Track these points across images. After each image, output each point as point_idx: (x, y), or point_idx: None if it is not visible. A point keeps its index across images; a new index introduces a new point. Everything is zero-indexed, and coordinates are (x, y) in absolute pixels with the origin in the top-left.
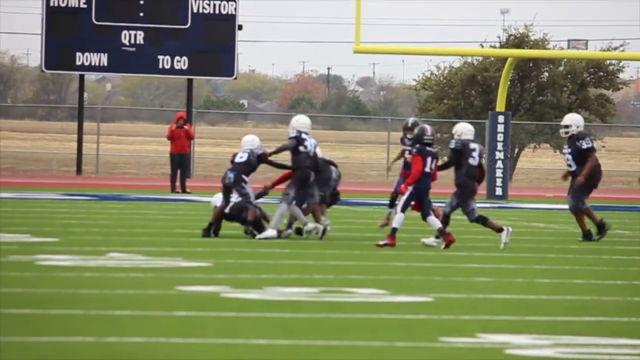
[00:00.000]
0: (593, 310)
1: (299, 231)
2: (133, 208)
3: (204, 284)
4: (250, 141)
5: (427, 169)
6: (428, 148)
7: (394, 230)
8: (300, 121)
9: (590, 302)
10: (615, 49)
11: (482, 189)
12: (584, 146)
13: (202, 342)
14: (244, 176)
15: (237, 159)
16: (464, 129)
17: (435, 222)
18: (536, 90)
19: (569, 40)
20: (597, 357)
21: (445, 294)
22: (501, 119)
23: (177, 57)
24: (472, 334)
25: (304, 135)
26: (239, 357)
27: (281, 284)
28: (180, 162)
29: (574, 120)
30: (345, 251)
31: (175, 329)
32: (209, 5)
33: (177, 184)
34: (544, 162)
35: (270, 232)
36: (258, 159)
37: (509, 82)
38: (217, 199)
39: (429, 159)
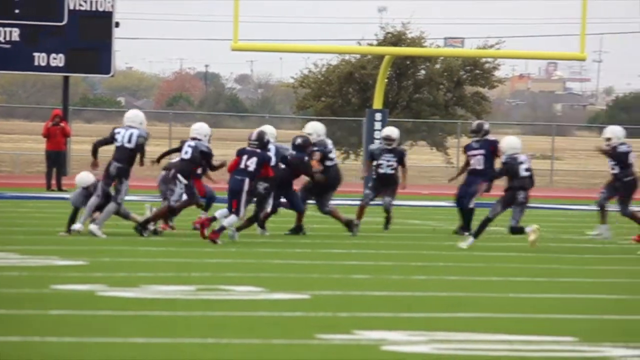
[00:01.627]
0: (468, 306)
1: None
2: (9, 206)
3: (80, 283)
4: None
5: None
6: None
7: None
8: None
9: (465, 299)
10: (491, 46)
11: (357, 187)
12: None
13: (78, 341)
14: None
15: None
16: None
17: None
18: (413, 88)
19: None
20: (472, 353)
21: (322, 291)
22: (378, 116)
23: (53, 55)
24: (348, 330)
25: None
26: (115, 356)
27: (158, 282)
28: (56, 160)
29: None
30: (222, 249)
31: (50, 328)
32: (85, 2)
33: (53, 181)
34: (421, 160)
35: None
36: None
37: (386, 80)
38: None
39: None
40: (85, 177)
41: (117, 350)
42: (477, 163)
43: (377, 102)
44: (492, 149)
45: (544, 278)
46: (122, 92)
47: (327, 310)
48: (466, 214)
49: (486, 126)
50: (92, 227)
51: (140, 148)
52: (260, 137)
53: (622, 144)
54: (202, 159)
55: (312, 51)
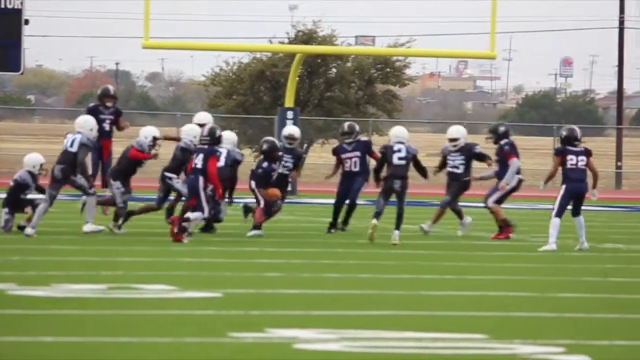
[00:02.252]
0: (378, 304)
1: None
2: None
3: None
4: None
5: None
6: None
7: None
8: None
9: (376, 296)
10: (402, 45)
11: None
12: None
13: None
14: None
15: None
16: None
17: None
18: (324, 86)
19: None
20: (382, 350)
21: (234, 289)
22: (290, 114)
23: None
24: (260, 328)
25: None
26: (26, 355)
27: (69, 281)
28: None
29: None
30: (135, 247)
31: None
32: None
33: None
34: (332, 158)
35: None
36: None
37: (297, 78)
38: None
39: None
40: (34, 158)
41: (27, 349)
42: (353, 165)
43: (289, 101)
44: (365, 150)
45: (453, 275)
46: (32, 90)
47: (240, 308)
48: (349, 209)
49: (357, 127)
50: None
51: (80, 153)
52: (212, 132)
53: (476, 144)
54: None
55: (223, 49)
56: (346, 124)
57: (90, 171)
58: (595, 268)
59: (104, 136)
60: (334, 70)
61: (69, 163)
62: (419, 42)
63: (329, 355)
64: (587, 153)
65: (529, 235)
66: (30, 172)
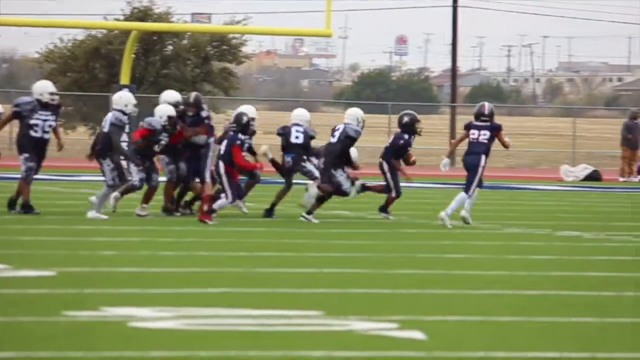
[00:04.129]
0: (215, 281)
1: None
2: None
3: None
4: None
5: None
6: None
7: None
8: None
9: (213, 274)
10: (238, 22)
11: None
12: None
13: None
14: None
15: (293, 139)
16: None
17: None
18: (160, 64)
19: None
20: (219, 327)
21: (69, 267)
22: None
23: None
24: (95, 307)
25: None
26: None
27: None
28: None
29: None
30: None
31: None
32: None
33: None
34: None
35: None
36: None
37: (133, 56)
38: None
39: None
40: None
41: None
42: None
43: (124, 78)
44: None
45: (291, 253)
46: None
47: (74, 287)
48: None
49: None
50: None
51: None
52: (238, 119)
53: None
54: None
55: (57, 26)
56: (192, 94)
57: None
58: (431, 245)
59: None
60: (170, 47)
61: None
62: (255, 20)
63: (166, 333)
64: (493, 128)
65: (366, 212)
66: None
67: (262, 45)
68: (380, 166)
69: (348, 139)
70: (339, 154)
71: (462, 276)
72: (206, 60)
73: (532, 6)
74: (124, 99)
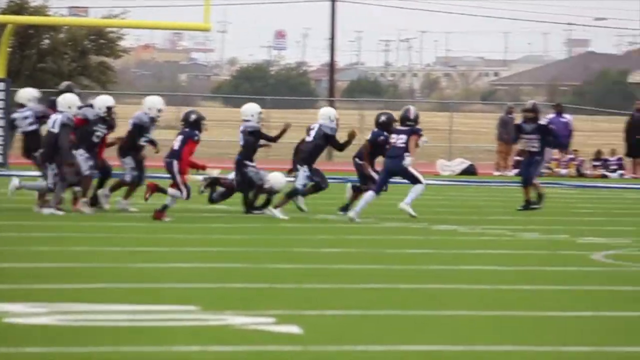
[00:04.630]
0: (90, 277)
1: None
2: None
3: None
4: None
5: None
6: None
7: None
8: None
9: (89, 269)
10: (116, 16)
11: None
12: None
13: None
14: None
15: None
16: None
17: None
18: (37, 57)
19: (70, 8)
20: (95, 323)
21: None
22: (2, 86)
23: None
24: None
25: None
26: None
27: None
28: None
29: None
30: None
31: None
32: None
33: None
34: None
35: None
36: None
37: (9, 49)
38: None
39: None
40: None
41: None
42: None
43: (0, 72)
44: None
45: (167, 248)
46: None
47: None
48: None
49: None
50: None
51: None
52: (186, 117)
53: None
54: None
55: None
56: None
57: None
58: (307, 239)
59: None
60: (47, 41)
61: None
62: (133, 14)
63: (40, 329)
64: (410, 132)
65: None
66: None
67: (140, 39)
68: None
69: (324, 137)
70: (312, 151)
71: (340, 270)
72: (83, 54)
73: (410, 1)
74: (66, 100)
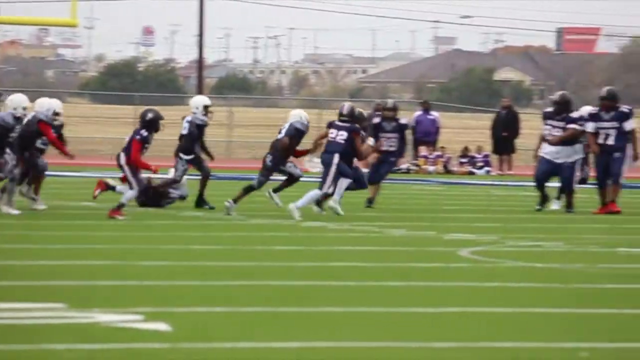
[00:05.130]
0: None
1: None
2: None
3: None
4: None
5: None
6: None
7: None
8: None
9: None
10: None
11: None
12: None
13: None
14: None
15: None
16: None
17: None
18: None
19: None
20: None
21: None
22: None
23: None
24: None
25: None
26: None
27: None
28: None
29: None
30: None
31: None
32: None
33: None
34: None
35: None
36: None
37: None
38: None
39: None
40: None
41: None
42: None
43: None
44: None
45: (37, 245)
46: None
47: None
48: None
49: None
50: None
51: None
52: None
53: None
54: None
55: None
56: None
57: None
58: (176, 236)
59: None
60: None
61: None
62: (2, 9)
63: None
64: (351, 130)
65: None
66: None
67: (7, 35)
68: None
69: (296, 132)
70: (286, 148)
71: (208, 267)
72: None
73: None
74: (15, 101)
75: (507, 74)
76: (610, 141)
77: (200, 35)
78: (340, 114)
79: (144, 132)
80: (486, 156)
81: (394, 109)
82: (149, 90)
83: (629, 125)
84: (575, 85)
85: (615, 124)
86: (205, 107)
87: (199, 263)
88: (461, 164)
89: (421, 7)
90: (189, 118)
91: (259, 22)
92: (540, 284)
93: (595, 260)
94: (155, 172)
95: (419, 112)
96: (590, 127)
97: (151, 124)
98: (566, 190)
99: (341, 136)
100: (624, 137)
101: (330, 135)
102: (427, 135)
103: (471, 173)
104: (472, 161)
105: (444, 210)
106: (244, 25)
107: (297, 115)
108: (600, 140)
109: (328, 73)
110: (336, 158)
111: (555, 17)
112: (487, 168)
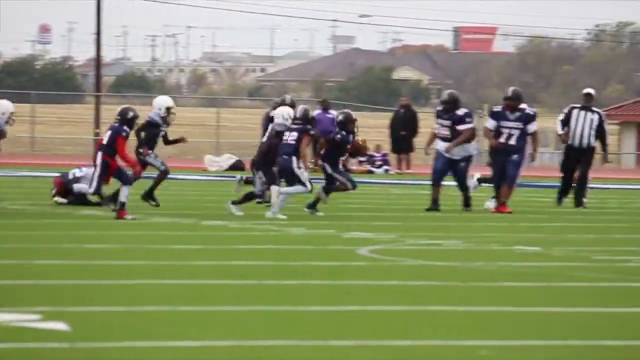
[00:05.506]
0: None
1: None
2: None
3: None
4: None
5: None
6: None
7: None
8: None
9: None
10: None
11: None
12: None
13: None
14: None
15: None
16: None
17: None
18: None
19: None
20: None
21: None
22: None
23: None
24: None
25: None
26: None
27: None
28: None
29: None
30: None
31: None
32: None
33: None
34: None
35: None
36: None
37: None
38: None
39: None
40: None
41: None
42: None
43: None
44: None
45: None
46: None
47: None
48: None
49: None
50: None
51: None
52: (123, 113)
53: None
54: None
55: None
56: None
57: None
58: (71, 235)
59: None
60: None
61: None
62: None
63: None
64: (302, 131)
65: (8, 202)
66: None
67: None
68: (323, 168)
69: (276, 134)
70: (267, 151)
71: (105, 266)
72: None
73: None
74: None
75: (405, 73)
76: (512, 141)
77: (98, 33)
78: (295, 117)
79: (127, 129)
80: (385, 155)
81: (292, 105)
82: (47, 89)
83: (532, 127)
84: (473, 84)
85: (519, 124)
86: (168, 109)
87: (97, 262)
88: (360, 162)
89: (320, 5)
90: (151, 115)
91: (157, 20)
92: (440, 282)
93: (494, 258)
94: (138, 172)
95: (318, 111)
96: (490, 124)
97: (130, 123)
98: (462, 190)
99: (292, 137)
100: (525, 138)
101: (284, 137)
102: (326, 133)
103: (370, 172)
104: (370, 160)
105: (343, 208)
106: (142, 23)
107: (279, 115)
108: (502, 140)
109: (226, 71)
110: (294, 161)
111: (453, 17)
112: (385, 167)
